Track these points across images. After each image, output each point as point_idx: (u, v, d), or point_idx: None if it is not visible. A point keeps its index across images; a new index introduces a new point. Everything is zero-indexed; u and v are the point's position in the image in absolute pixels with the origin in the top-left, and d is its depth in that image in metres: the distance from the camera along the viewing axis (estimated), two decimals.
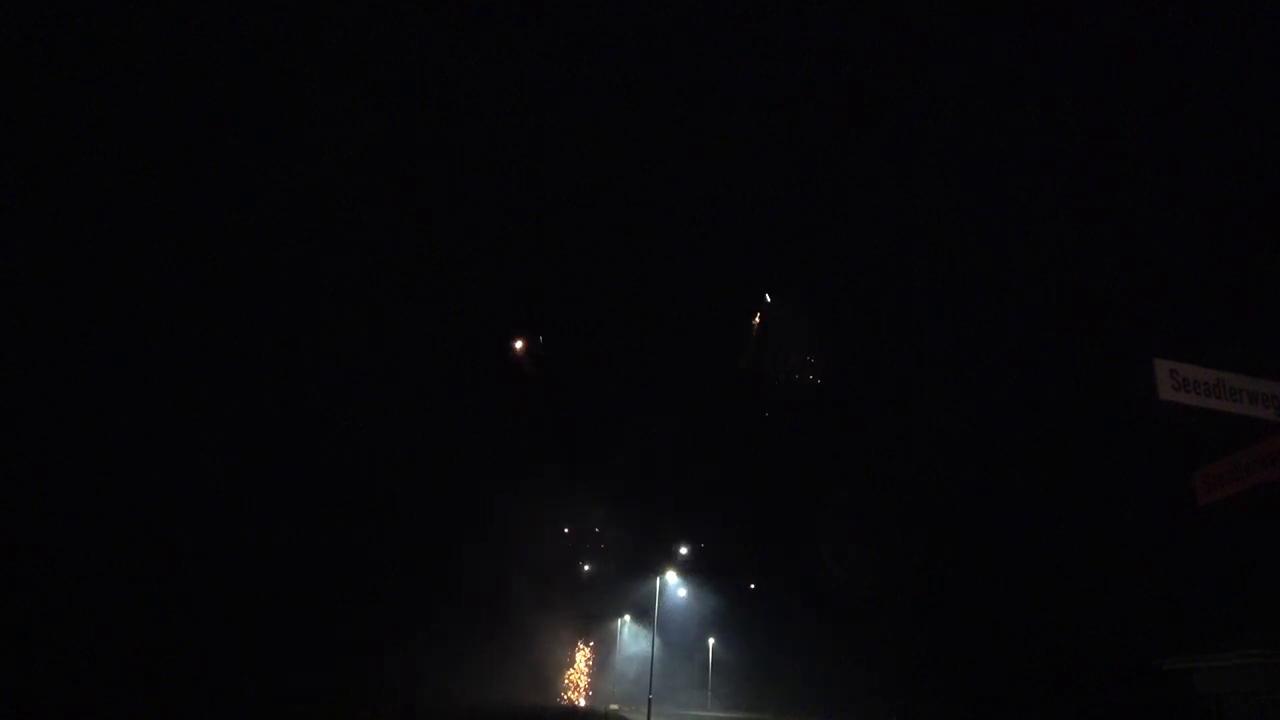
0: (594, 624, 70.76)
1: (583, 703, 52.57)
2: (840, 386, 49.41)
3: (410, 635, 44.79)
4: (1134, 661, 21.41)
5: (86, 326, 33.64)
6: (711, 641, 66.79)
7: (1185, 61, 27.73)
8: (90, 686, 25.11)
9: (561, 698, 60.55)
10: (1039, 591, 30.39)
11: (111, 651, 28.32)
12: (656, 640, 43.56)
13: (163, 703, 25.23)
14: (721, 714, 57.39)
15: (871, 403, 47.12)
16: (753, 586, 60.65)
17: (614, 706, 51.34)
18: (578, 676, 69.09)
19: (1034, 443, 32.20)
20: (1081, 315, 29.70)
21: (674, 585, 64.98)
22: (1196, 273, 26.00)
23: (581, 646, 70.39)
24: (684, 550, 61.32)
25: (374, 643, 42.14)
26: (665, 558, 50.41)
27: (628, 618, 66.72)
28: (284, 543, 38.27)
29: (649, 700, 37.99)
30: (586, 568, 75.87)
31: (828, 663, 48.43)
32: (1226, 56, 26.69)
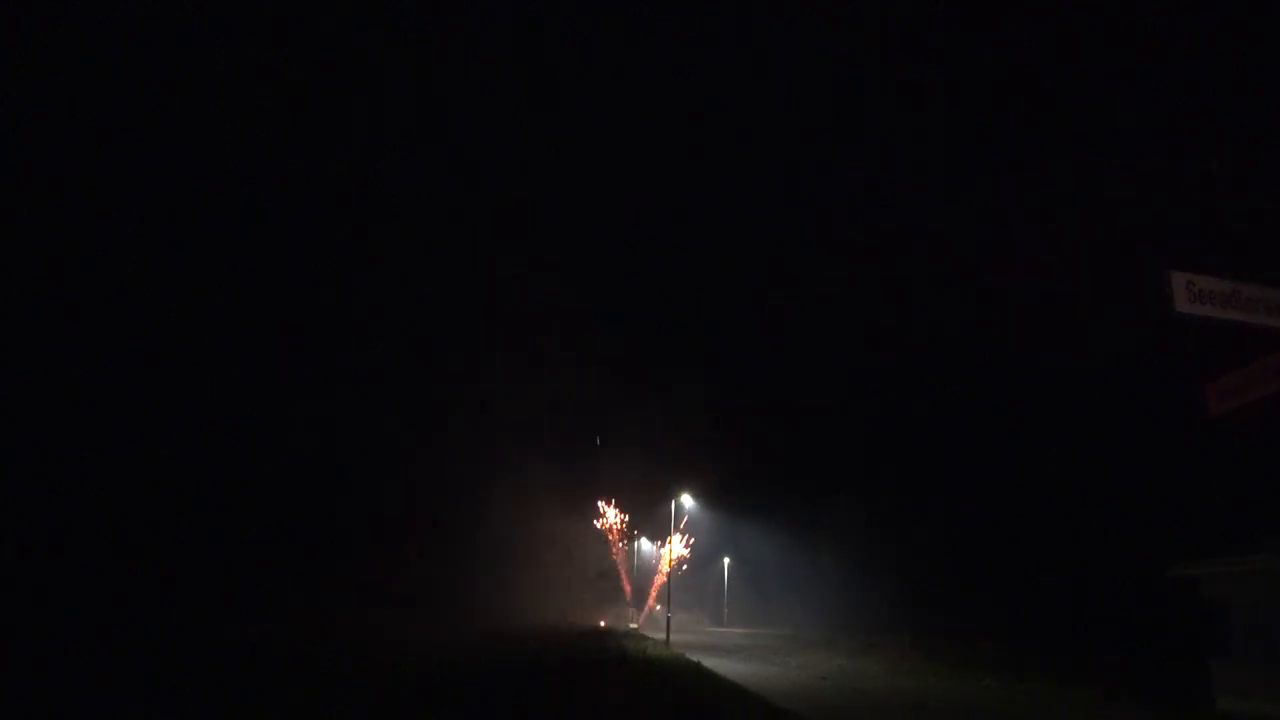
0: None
1: (603, 623, 52.92)
2: None
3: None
4: (1142, 569, 21.80)
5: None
6: (727, 561, 68.34)
7: None
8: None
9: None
10: (1047, 503, 30.80)
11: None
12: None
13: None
14: (740, 629, 58.99)
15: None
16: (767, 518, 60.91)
17: (633, 625, 52.72)
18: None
19: (1044, 353, 32.09)
20: (1092, 222, 29.21)
21: (690, 507, 65.86)
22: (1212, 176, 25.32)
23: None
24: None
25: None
26: (682, 479, 49.96)
27: (643, 539, 67.73)
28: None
29: (667, 619, 39.14)
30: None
31: (839, 581, 49.26)
32: None
